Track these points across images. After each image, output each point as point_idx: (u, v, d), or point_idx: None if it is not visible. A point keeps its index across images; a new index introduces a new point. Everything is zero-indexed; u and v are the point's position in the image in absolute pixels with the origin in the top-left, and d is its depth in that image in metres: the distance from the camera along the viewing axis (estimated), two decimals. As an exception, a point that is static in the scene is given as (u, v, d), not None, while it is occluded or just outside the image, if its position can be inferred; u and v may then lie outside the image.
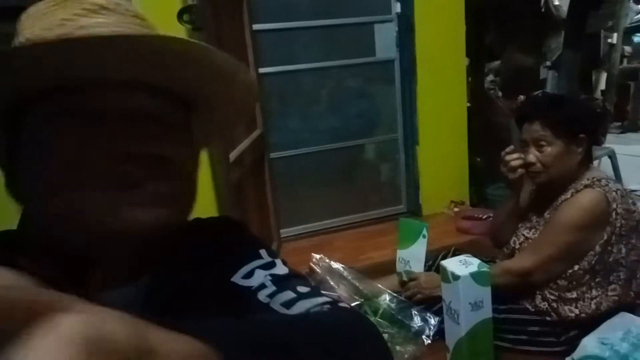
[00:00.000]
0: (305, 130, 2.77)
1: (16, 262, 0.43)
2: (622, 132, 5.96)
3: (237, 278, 0.51)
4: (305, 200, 2.82)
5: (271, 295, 0.49)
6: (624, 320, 1.26)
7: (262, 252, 0.54)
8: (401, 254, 1.81)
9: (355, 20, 2.73)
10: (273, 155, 2.59)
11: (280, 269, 0.52)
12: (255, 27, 2.31)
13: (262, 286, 0.50)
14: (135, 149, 0.42)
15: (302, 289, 0.49)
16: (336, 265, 1.91)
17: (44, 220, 0.43)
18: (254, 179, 2.28)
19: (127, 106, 0.43)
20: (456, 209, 2.77)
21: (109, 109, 0.42)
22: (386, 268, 1.90)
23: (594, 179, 1.37)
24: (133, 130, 0.42)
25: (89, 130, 0.41)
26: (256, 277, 0.51)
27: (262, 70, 2.40)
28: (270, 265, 0.52)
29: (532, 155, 1.39)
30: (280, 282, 0.50)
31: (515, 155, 1.44)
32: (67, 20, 0.43)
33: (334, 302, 0.49)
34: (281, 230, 2.62)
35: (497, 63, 3.78)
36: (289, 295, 0.48)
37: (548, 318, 1.40)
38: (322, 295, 0.50)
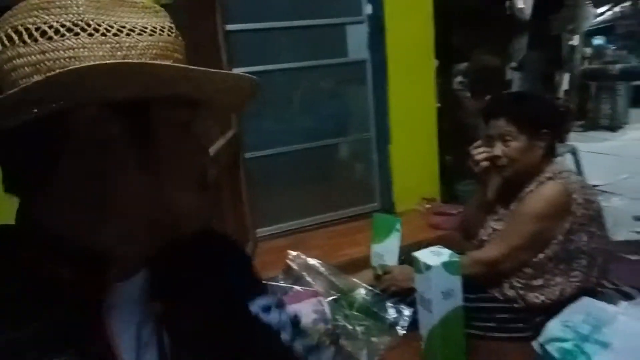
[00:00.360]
0: (280, 130, 2.79)
1: (19, 257, 0.43)
2: (584, 131, 6.20)
3: (255, 308, 0.57)
4: (280, 199, 2.83)
5: (292, 339, 0.58)
6: (585, 304, 1.33)
7: (266, 285, 0.61)
8: (375, 248, 1.86)
9: (327, 22, 2.76)
10: (248, 155, 2.59)
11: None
12: (229, 27, 2.32)
13: (284, 326, 0.57)
14: (207, 157, 0.50)
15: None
16: (313, 261, 1.93)
17: (72, 217, 0.44)
18: (229, 178, 2.28)
19: (188, 119, 0.48)
20: (428, 206, 2.84)
21: (184, 123, 0.47)
22: (361, 264, 1.94)
23: (556, 172, 1.45)
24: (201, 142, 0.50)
25: (185, 141, 0.47)
26: (274, 315, 0.57)
27: (235, 70, 2.41)
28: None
29: (498, 149, 1.46)
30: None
31: (480, 149, 1.51)
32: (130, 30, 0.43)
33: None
34: (257, 230, 2.63)
35: (465, 64, 3.87)
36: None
37: (516, 305, 1.47)
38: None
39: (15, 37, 0.40)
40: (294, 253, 2.01)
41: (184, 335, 0.51)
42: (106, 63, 0.39)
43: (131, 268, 0.48)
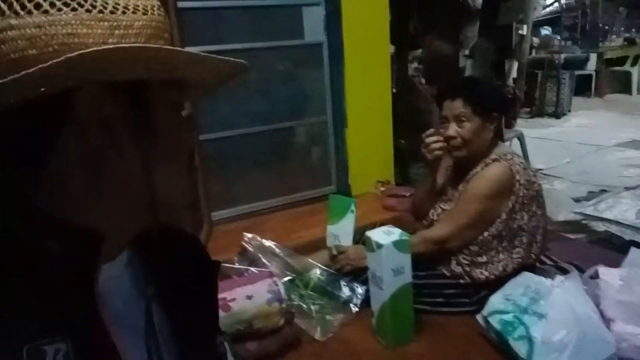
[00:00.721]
0: (235, 112, 2.75)
1: (8, 235, 0.41)
2: (530, 117, 6.49)
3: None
4: (236, 182, 2.81)
5: None
6: (525, 278, 1.41)
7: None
8: (331, 229, 1.89)
9: (283, 2, 2.73)
10: (203, 137, 2.55)
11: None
12: (181, 4, 2.25)
13: None
14: (195, 139, 0.50)
15: None
16: (268, 243, 1.95)
17: (66, 195, 0.43)
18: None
19: (178, 101, 0.49)
20: (382, 188, 2.89)
21: (175, 104, 0.47)
22: (317, 245, 1.97)
23: (501, 155, 1.52)
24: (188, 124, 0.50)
25: (177, 122, 0.47)
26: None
27: (188, 49, 2.35)
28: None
29: (453, 130, 1.51)
30: None
31: (434, 138, 1.55)
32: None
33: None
34: (212, 213, 2.61)
35: (420, 51, 3.95)
36: None
37: (462, 281, 1.54)
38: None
39: (5, 7, 0.37)
40: (249, 235, 2.01)
41: (175, 314, 0.53)
42: (133, 46, 0.38)
43: (116, 248, 0.48)
